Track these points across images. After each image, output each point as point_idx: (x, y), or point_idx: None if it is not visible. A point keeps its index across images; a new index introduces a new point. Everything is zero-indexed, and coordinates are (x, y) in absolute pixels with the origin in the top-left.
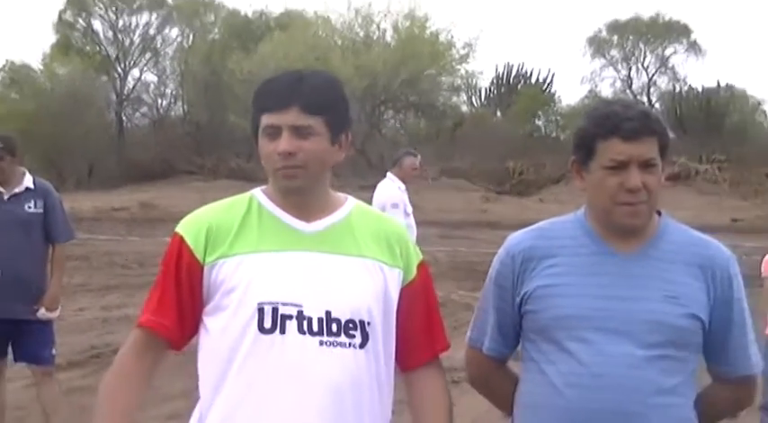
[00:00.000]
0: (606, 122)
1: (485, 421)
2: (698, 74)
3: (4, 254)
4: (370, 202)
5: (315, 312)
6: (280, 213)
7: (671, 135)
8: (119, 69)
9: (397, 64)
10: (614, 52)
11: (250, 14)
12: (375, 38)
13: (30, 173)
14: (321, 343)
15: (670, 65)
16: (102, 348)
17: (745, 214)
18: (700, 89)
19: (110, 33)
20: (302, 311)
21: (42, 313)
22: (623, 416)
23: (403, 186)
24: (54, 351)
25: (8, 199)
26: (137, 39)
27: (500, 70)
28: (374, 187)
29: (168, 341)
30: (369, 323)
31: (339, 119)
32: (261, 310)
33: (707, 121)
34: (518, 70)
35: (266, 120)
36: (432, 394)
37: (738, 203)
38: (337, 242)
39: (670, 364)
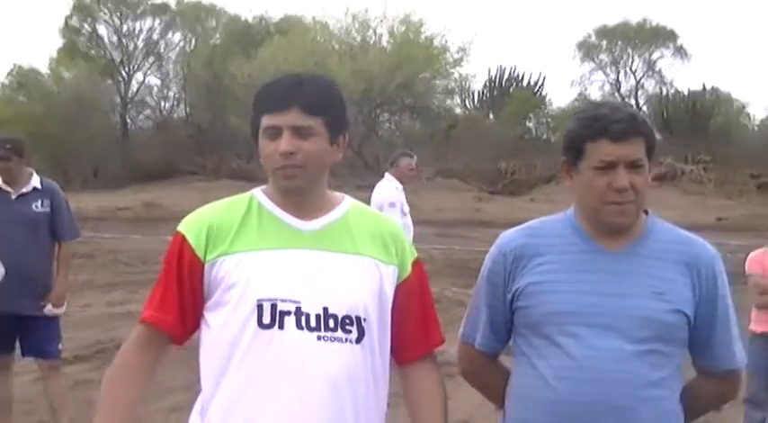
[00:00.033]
0: (595, 124)
1: (478, 414)
2: (684, 77)
3: (12, 251)
4: (366, 201)
5: (313, 308)
6: (279, 212)
7: (658, 136)
8: (123, 73)
9: (393, 68)
10: (603, 56)
11: (250, 20)
12: (371, 42)
13: (37, 173)
14: (319, 338)
15: (657, 69)
16: (107, 343)
17: (729, 213)
18: (686, 92)
19: (114, 38)
20: (300, 308)
21: (49, 309)
22: (613, 409)
23: (400, 186)
24: (60, 346)
25: (16, 198)
26: (140, 43)
27: (493, 74)
28: (371, 187)
29: (170, 336)
30: (365, 319)
31: (337, 120)
32: (260, 307)
33: (692, 123)
34: (510, 74)
35: (267, 121)
36: (427, 387)
37: (723, 203)
38: (334, 240)
39: (658, 359)
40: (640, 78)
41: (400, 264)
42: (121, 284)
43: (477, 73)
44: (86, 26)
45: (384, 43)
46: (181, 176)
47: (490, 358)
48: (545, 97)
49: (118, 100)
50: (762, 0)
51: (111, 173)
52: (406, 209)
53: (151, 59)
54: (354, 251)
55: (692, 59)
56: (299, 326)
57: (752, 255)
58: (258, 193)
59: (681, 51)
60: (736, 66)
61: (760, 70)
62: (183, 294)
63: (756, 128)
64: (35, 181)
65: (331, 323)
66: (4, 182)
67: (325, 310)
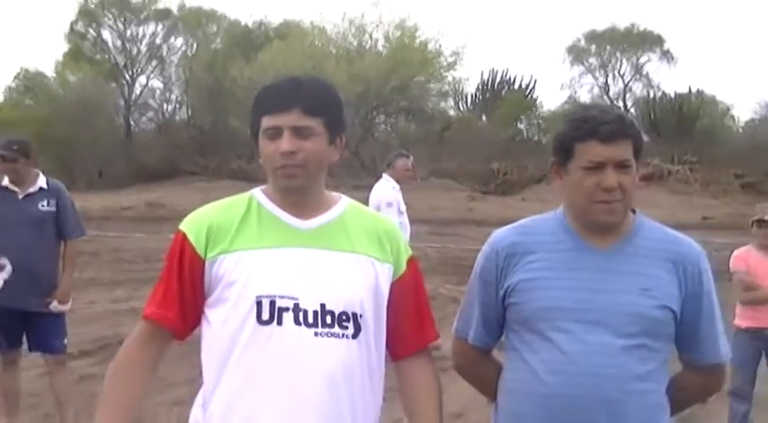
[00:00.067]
0: (584, 126)
1: (471, 407)
2: (670, 80)
3: (19, 250)
4: (363, 201)
5: (310, 305)
6: (278, 212)
7: (645, 138)
8: (127, 77)
9: (389, 71)
10: (592, 60)
11: (250, 25)
12: (368, 47)
13: (43, 174)
14: (316, 334)
15: (644, 72)
16: (111, 339)
17: (715, 212)
18: (672, 95)
19: (118, 43)
20: (298, 304)
21: (55, 306)
22: (602, 402)
23: (397, 186)
24: (66, 341)
25: (23, 198)
26: (144, 48)
27: (485, 77)
28: (367, 187)
29: (172, 332)
30: (361, 315)
31: (336, 121)
32: (259, 303)
33: (679, 124)
34: (502, 77)
35: (268, 121)
36: (422, 381)
37: (709, 202)
38: (331, 239)
39: (645, 353)
40: (628, 81)
41: (395, 261)
42: (125, 282)
43: (470, 76)
44: (91, 31)
45: (380, 47)
46: (183, 177)
47: (483, 353)
48: (536, 100)
49: (122, 103)
50: (746, 6)
51: (115, 173)
52: (403, 208)
53: (154, 63)
54: (351, 249)
55: (678, 63)
56: (297, 322)
57: (736, 252)
58: (257, 192)
59: (667, 55)
60: (720, 69)
61: (744, 73)
62: (185, 291)
63: (741, 129)
64: (41, 181)
65: (328, 319)
66: (12, 182)
67: (323, 306)
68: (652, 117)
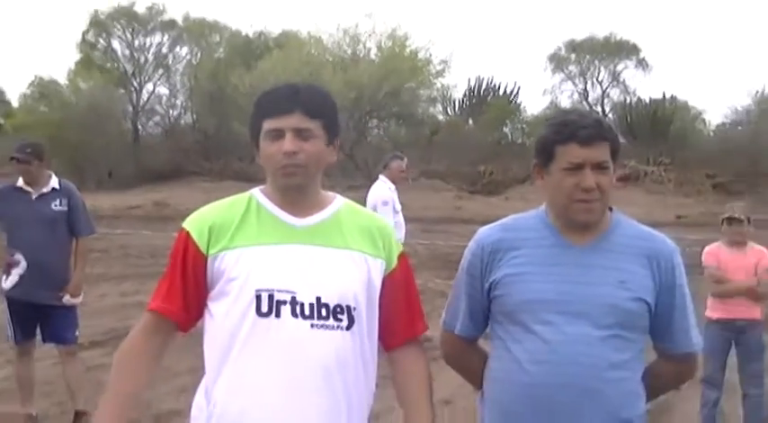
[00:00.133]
0: (564, 130)
1: (459, 394)
2: (646, 87)
3: (33, 247)
4: (357, 200)
5: (306, 298)
6: (276, 211)
7: (622, 141)
8: (135, 84)
9: (381, 78)
10: (572, 68)
11: (251, 35)
12: (361, 55)
13: (55, 175)
14: (312, 326)
15: (621, 79)
16: (120, 330)
17: (688, 211)
18: (647, 100)
19: (127, 52)
20: (295, 297)
21: (67, 299)
22: (581, 389)
23: (393, 187)
24: (77, 332)
25: (36, 198)
26: (151, 57)
27: (472, 84)
28: (361, 187)
29: (176, 324)
30: (354, 308)
31: (333, 124)
32: (258, 297)
33: (654, 128)
34: (488, 84)
35: (269, 124)
36: (413, 370)
37: (682, 201)
38: (327, 236)
39: (621, 343)
40: (606, 88)
41: (387, 257)
42: (133, 276)
43: (457, 83)
44: (102, 41)
45: (373, 56)
46: (187, 178)
47: (469, 343)
48: (520, 105)
49: (130, 108)
50: (717, 18)
51: (123, 175)
52: (398, 207)
53: (160, 71)
54: (344, 246)
55: (652, 71)
56: (294, 314)
57: (708, 248)
58: (257, 192)
59: (643, 63)
60: (693, 76)
61: (715, 81)
62: (188, 286)
63: (712, 133)
64: (54, 182)
65: (323, 312)
66: (26, 183)
67: (318, 299)
68: (628, 121)
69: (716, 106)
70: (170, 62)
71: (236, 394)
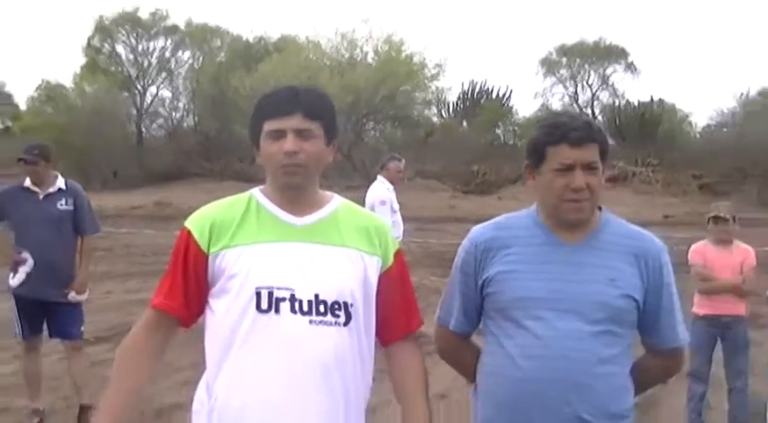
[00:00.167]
0: (555, 132)
1: (454, 388)
2: (634, 90)
3: (40, 245)
4: (355, 199)
5: (305, 295)
6: (275, 210)
7: (611, 142)
8: (138, 87)
9: (378, 82)
10: (563, 71)
11: (251, 40)
12: (358, 59)
13: (62, 176)
14: (311, 322)
15: (610, 82)
16: (124, 326)
17: (675, 211)
18: (636, 103)
19: (131, 56)
20: (294, 294)
21: (73, 296)
22: (572, 384)
23: (391, 187)
24: (83, 328)
25: (43, 198)
26: (154, 61)
27: (465, 87)
28: (359, 187)
29: (177, 320)
30: (352, 304)
31: (331, 125)
32: (258, 294)
33: (642, 130)
34: (481, 87)
35: (270, 125)
36: (409, 365)
37: (669, 201)
38: (324, 234)
39: (611, 339)
40: (596, 91)
41: (383, 255)
42: (136, 274)
43: (451, 86)
44: (106, 45)
45: (369, 60)
46: (189, 178)
47: (463, 339)
48: (512, 108)
49: (134, 111)
50: (702, 23)
51: (127, 175)
52: (396, 207)
53: (163, 75)
54: (342, 244)
55: (641, 74)
56: (293, 311)
57: (694, 247)
58: (256, 192)
59: (631, 67)
60: (680, 80)
61: (701, 84)
62: (189, 283)
63: (698, 134)
64: (60, 182)
65: (321, 308)
66: (33, 183)
67: (317, 296)
68: (617, 123)
69: (702, 109)
70: (173, 66)
71: (237, 388)
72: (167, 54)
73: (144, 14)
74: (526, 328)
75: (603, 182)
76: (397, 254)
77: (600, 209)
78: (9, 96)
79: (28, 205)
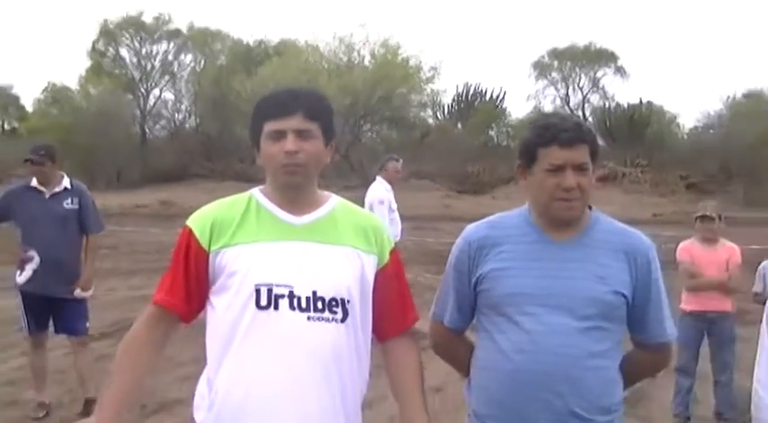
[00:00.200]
0: (546, 133)
1: (449, 381)
2: (624, 93)
3: (46, 243)
4: (352, 199)
5: (303, 292)
6: (274, 209)
7: (601, 143)
8: (142, 89)
9: (374, 84)
10: (554, 74)
11: (252, 43)
12: (356, 63)
13: (67, 176)
14: (309, 318)
15: (601, 85)
16: (128, 322)
17: (663, 210)
18: (625, 105)
19: (135, 59)
20: (293, 291)
21: (78, 293)
22: (563, 377)
23: (389, 187)
24: (88, 324)
25: (49, 197)
26: (157, 64)
27: (460, 89)
28: (356, 187)
29: (178, 316)
30: (349, 301)
31: (329, 126)
32: (258, 291)
33: (631, 131)
34: (475, 89)
35: (271, 126)
36: (405, 360)
37: (658, 200)
38: (322, 233)
39: (600, 334)
40: (586, 93)
41: (379, 253)
42: (140, 272)
43: (446, 89)
44: (111, 49)
45: (366, 63)
46: (192, 178)
47: (457, 334)
48: (505, 110)
49: (137, 113)
50: (690, 27)
51: (131, 175)
52: (394, 206)
53: (166, 78)
54: (339, 242)
55: (630, 77)
56: (291, 307)
57: (681, 245)
58: (256, 192)
59: (621, 70)
60: (667, 83)
61: (688, 87)
62: (190, 280)
63: (685, 136)
64: (66, 182)
65: (319, 305)
66: (39, 183)
67: (314, 293)
68: (607, 125)
69: (689, 111)
70: (175, 69)
71: (237, 383)
72: (170, 57)
73: (147, 19)
74: (518, 324)
75: (594, 181)
76: (393, 252)
77: (590, 208)
78: (16, 98)
79: (34, 204)
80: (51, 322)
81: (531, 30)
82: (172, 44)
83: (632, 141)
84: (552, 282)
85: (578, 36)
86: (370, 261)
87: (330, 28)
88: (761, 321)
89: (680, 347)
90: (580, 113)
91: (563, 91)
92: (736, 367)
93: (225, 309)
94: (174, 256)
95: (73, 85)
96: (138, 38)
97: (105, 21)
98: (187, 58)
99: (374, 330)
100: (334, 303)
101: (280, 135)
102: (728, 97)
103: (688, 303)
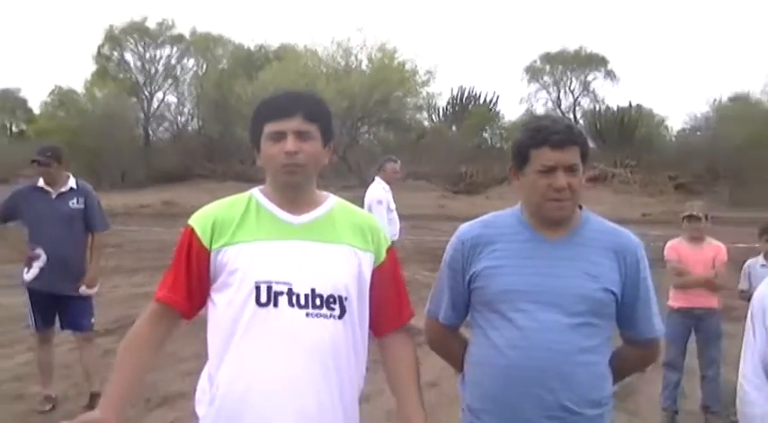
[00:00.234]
0: (538, 135)
1: (444, 377)
2: (613, 96)
3: (52, 242)
4: (350, 199)
5: (302, 289)
6: (274, 209)
7: (591, 145)
8: (146, 93)
9: (371, 88)
10: (546, 78)
11: (252, 48)
12: (353, 66)
13: (73, 176)
14: (307, 314)
15: (591, 89)
16: (132, 318)
17: (652, 209)
18: (615, 108)
19: (139, 63)
20: (292, 288)
21: (83, 290)
22: (555, 372)
23: (388, 187)
24: (93, 320)
25: (55, 197)
26: (160, 68)
27: (455, 92)
28: (354, 187)
29: (180, 312)
30: (346, 298)
31: (328, 127)
32: (258, 288)
33: (621, 133)
34: (469, 92)
35: (271, 127)
36: (402, 355)
37: (646, 200)
38: (320, 232)
39: (591, 330)
40: (577, 97)
41: (376, 251)
42: (144, 270)
43: (441, 92)
44: (116, 53)
45: (364, 67)
46: (194, 179)
47: (451, 330)
48: (498, 112)
49: (141, 115)
50: (678, 32)
51: (135, 176)
52: (393, 206)
53: (169, 81)
54: (337, 241)
55: (620, 81)
56: (290, 304)
57: (669, 243)
58: (256, 192)
59: (611, 74)
60: (656, 86)
61: (676, 90)
62: (191, 278)
63: (673, 138)
64: (72, 182)
65: (318, 302)
66: (46, 183)
67: (313, 290)
68: (598, 127)
69: (677, 113)
70: (178, 73)
71: (238, 378)
72: (173, 61)
73: (151, 24)
74: (510, 320)
75: (584, 182)
76: (390, 250)
77: (580, 207)
78: (24, 101)
79: (41, 204)
80: (57, 319)
81: (523, 35)
82: (175, 49)
83: (622, 143)
84: (544, 279)
85: (569, 41)
86: (367, 259)
87: (328, 33)
88: (746, 317)
89: (668, 343)
90: (571, 116)
91: (554, 94)
92: (723, 362)
93: (226, 305)
94: (176, 255)
95: (79, 88)
96: (143, 43)
97: (110, 26)
98: (190, 63)
99: (371, 326)
100: (332, 300)
101: (280, 136)
102: (715, 100)
103: (676, 300)
